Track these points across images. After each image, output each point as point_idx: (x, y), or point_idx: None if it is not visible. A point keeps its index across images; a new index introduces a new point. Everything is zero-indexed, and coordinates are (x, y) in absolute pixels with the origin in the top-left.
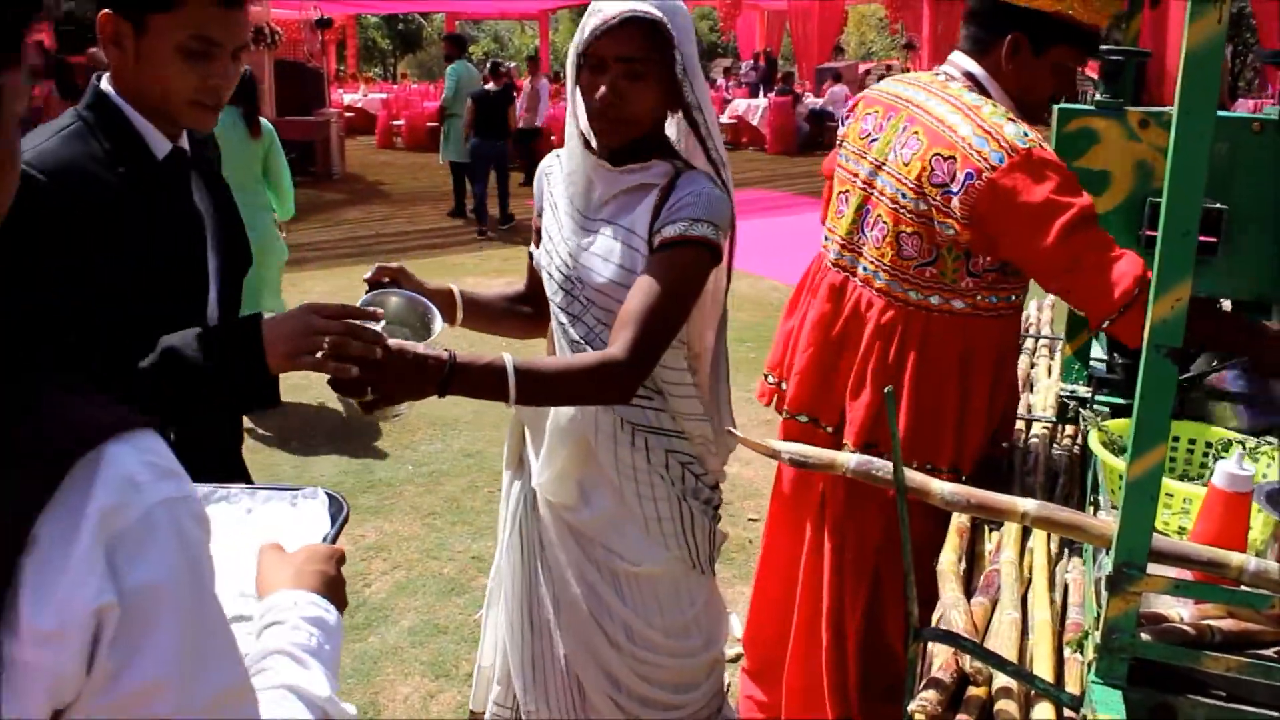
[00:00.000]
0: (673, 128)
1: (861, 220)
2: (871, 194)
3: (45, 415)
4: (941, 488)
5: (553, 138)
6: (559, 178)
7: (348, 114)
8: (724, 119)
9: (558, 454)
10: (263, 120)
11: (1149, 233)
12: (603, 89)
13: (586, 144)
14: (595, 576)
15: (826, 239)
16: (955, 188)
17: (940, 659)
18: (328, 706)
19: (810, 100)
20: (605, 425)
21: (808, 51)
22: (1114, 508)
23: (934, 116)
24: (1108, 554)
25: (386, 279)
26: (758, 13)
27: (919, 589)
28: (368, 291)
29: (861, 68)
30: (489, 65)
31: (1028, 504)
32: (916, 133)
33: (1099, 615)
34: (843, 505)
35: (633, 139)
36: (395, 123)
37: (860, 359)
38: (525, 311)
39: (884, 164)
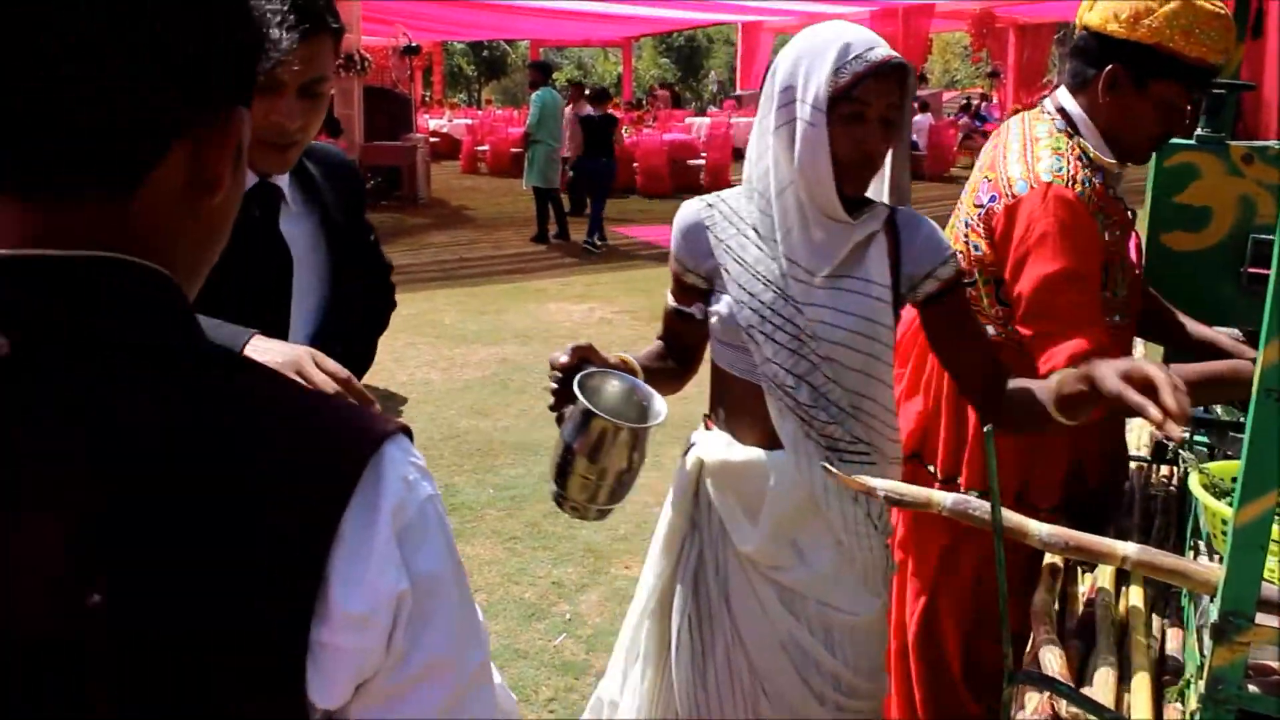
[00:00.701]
0: None
1: None
2: (956, 211)
3: (333, 422)
4: (1039, 529)
5: (634, 164)
6: (732, 228)
7: (433, 139)
8: None
9: (775, 516)
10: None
11: (1252, 270)
12: (873, 139)
13: (840, 194)
14: (803, 634)
15: None
16: (984, 208)
17: (1034, 703)
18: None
19: None
20: (831, 481)
21: None
22: (1217, 553)
23: (1003, 143)
24: (1212, 601)
25: (580, 359)
26: None
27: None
28: (567, 372)
29: (946, 96)
30: (592, 91)
31: (1129, 548)
32: (987, 158)
33: (1203, 664)
34: (907, 527)
35: None
36: (480, 148)
37: (912, 369)
38: (674, 369)
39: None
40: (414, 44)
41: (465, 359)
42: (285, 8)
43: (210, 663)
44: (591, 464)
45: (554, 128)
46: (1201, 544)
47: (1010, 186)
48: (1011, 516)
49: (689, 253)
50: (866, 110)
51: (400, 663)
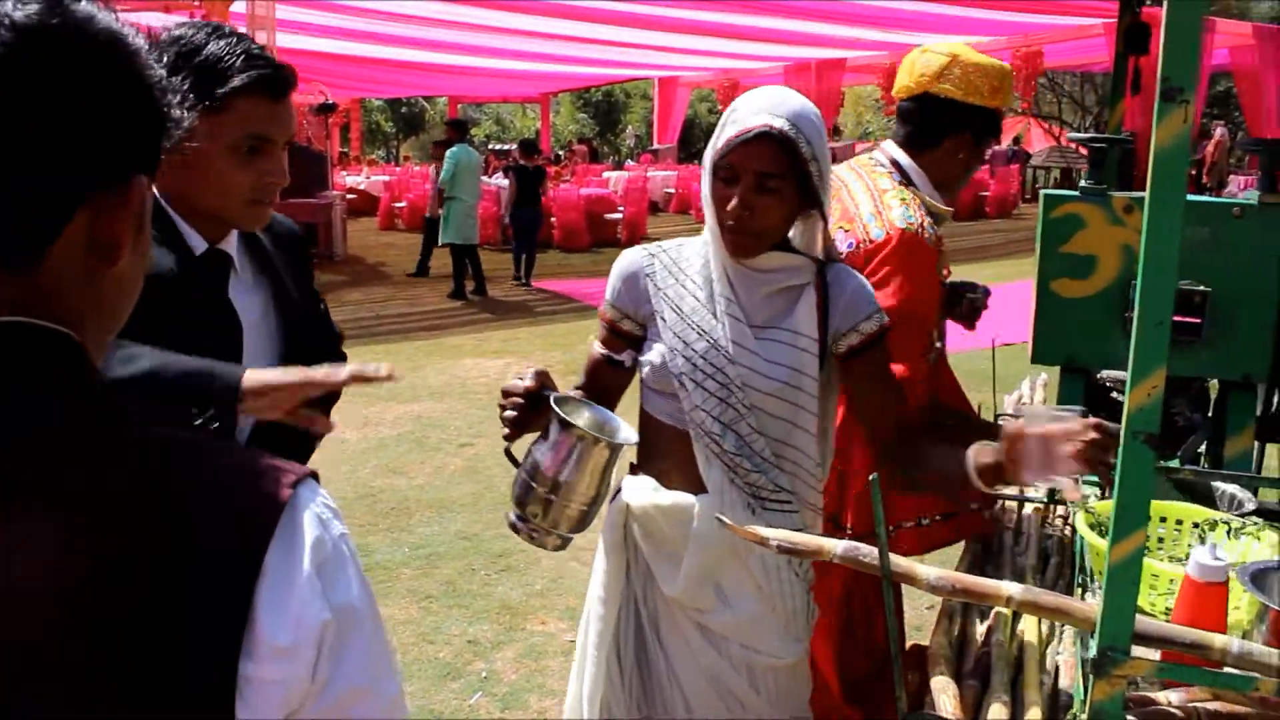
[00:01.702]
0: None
1: None
2: None
3: (250, 468)
4: (927, 573)
5: (551, 218)
6: (671, 278)
7: (350, 196)
8: None
9: (698, 560)
10: None
11: (1129, 315)
12: (734, 201)
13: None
14: (729, 673)
15: None
16: (843, 255)
17: None
18: None
19: None
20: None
21: None
22: (1100, 589)
23: (851, 196)
24: (1092, 637)
25: (540, 385)
26: None
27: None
28: (529, 396)
29: (859, 147)
30: (520, 144)
31: (1013, 588)
32: (838, 210)
33: (1085, 699)
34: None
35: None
36: (397, 204)
37: None
38: None
39: None
40: (330, 102)
41: (380, 417)
42: (185, 88)
43: (147, 709)
44: (560, 484)
45: (470, 184)
46: (1090, 581)
47: (868, 233)
48: (900, 562)
49: (629, 298)
50: (737, 174)
51: (322, 692)
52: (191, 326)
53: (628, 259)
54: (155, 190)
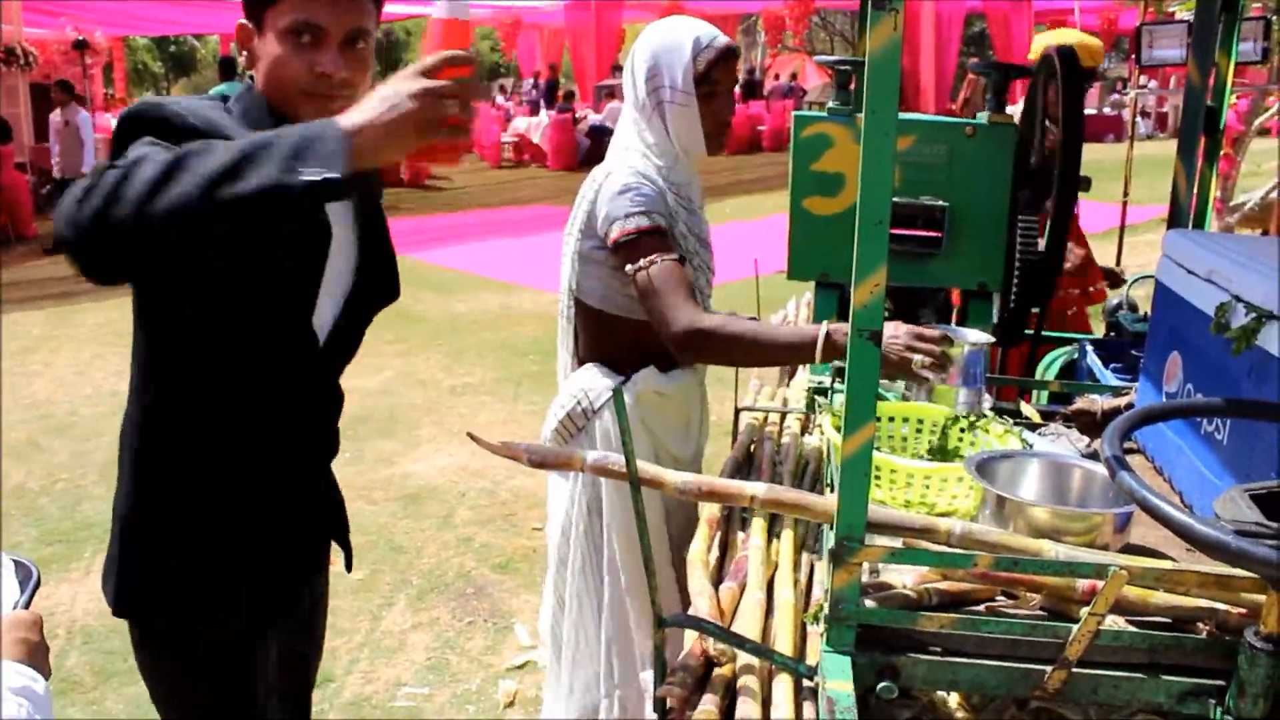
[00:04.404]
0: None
1: None
2: None
3: None
4: (675, 477)
5: None
6: (673, 194)
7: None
8: (506, 137)
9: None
10: None
11: None
12: (726, 110)
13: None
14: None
15: None
16: None
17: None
18: None
19: (591, 117)
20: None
21: (587, 69)
22: None
23: None
24: (831, 529)
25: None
26: (538, 32)
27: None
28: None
29: None
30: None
31: (756, 488)
32: None
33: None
34: None
35: None
36: None
37: None
38: None
39: None
40: (82, 38)
41: None
42: None
43: None
44: None
45: None
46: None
47: None
48: (647, 468)
49: (666, 214)
50: (718, 88)
51: None
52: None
53: (645, 178)
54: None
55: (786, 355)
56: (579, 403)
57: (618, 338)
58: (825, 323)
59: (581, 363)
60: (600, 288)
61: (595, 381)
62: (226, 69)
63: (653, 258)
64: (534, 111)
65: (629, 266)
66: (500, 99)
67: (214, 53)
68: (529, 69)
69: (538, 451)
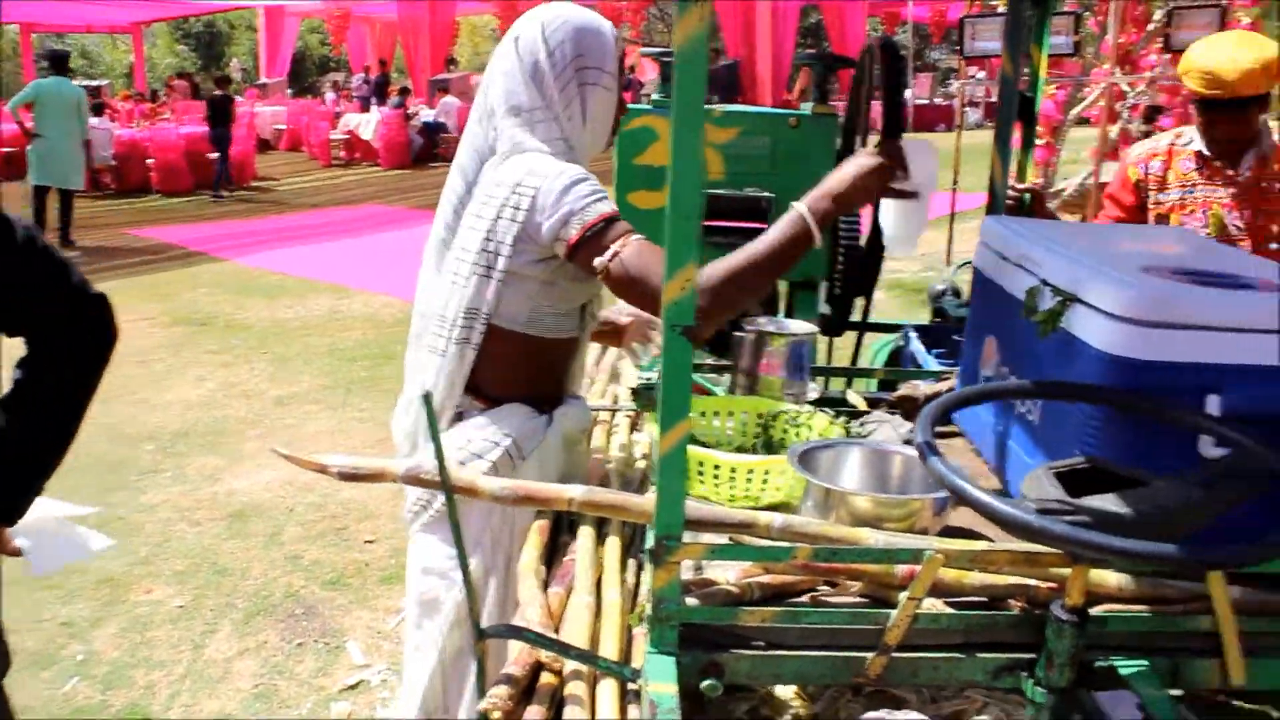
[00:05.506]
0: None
1: None
2: None
3: None
4: (490, 484)
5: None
6: None
7: None
8: (336, 134)
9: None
10: None
11: (704, 223)
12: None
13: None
14: None
15: None
16: None
17: (515, 653)
18: None
19: (425, 113)
20: None
21: (420, 64)
22: None
23: None
24: (650, 529)
25: None
26: (369, 25)
27: None
28: None
29: (474, 79)
30: (217, 77)
31: (574, 490)
32: None
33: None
34: None
35: None
36: None
37: None
38: None
39: None
40: None
41: None
42: None
43: None
44: None
45: (61, 121)
46: None
47: None
48: (461, 476)
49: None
50: (622, 79)
51: None
52: None
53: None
54: None
55: (791, 250)
56: (506, 451)
57: (541, 359)
58: (793, 204)
59: (488, 398)
60: (528, 308)
61: (524, 424)
62: (58, 62)
63: (620, 242)
64: (364, 108)
65: (597, 261)
66: (330, 95)
67: (12, 43)
68: (359, 64)
69: (348, 466)
